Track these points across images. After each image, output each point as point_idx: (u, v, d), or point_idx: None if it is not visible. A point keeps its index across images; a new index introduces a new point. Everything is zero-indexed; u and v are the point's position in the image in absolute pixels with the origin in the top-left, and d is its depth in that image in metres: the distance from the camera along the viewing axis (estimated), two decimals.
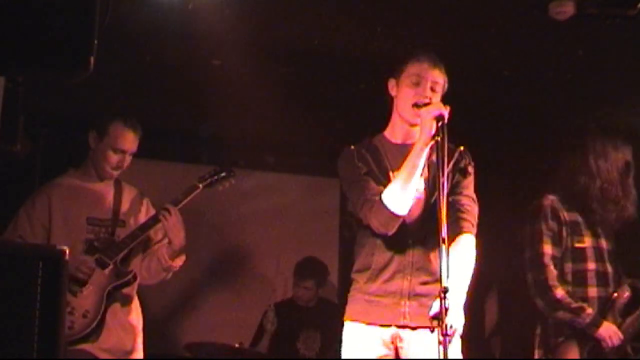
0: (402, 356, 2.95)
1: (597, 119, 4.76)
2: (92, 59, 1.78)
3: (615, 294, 3.93)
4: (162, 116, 5.07)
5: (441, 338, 2.51)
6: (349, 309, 3.08)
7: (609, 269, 3.96)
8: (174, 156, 5.72)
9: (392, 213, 2.88)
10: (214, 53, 4.29)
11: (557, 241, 3.93)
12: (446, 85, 3.07)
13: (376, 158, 3.08)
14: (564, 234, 3.93)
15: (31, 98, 2.07)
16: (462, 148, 3.12)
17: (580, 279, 3.92)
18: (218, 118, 5.21)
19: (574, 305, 3.83)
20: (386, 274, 2.98)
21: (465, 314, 2.82)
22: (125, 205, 3.72)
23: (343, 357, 3.04)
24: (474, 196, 3.08)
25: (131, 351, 3.63)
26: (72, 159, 3.79)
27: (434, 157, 3.00)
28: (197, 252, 5.63)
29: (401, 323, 2.94)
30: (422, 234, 2.98)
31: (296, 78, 4.60)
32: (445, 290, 2.53)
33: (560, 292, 3.85)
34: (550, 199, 3.97)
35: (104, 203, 3.68)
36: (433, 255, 2.94)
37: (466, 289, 2.89)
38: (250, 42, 4.13)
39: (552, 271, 3.88)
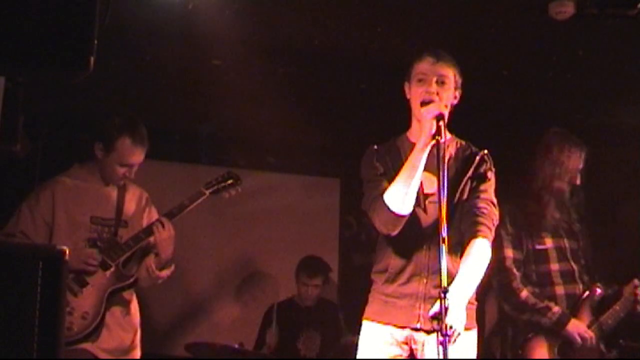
0: (417, 357, 2.94)
1: (596, 118, 4.78)
2: (92, 59, 1.78)
3: (587, 292, 3.96)
4: (162, 116, 5.07)
5: (441, 338, 2.51)
6: (368, 309, 3.09)
7: (574, 267, 3.99)
8: (174, 156, 5.72)
9: (393, 213, 2.87)
10: (214, 53, 4.29)
11: (517, 245, 3.97)
12: (458, 77, 3.04)
13: (395, 159, 3.06)
14: (523, 237, 3.97)
15: (31, 98, 2.06)
16: (485, 152, 3.09)
17: (545, 280, 3.96)
18: (218, 118, 5.21)
19: (540, 305, 3.87)
20: (403, 277, 2.99)
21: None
22: (128, 206, 3.71)
23: (359, 356, 3.04)
24: (494, 200, 3.05)
25: (130, 349, 3.63)
26: (72, 159, 3.78)
27: (452, 162, 3.00)
28: (197, 252, 5.65)
29: (416, 326, 2.94)
30: (438, 237, 2.96)
31: (296, 78, 4.59)
32: (445, 291, 2.53)
33: (524, 294, 3.89)
34: (506, 207, 4.00)
35: (108, 202, 3.66)
36: (450, 259, 2.91)
37: (472, 291, 2.89)
38: (250, 42, 4.13)
39: (515, 273, 3.93)
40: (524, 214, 4.00)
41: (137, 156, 3.62)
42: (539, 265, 3.97)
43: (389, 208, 2.87)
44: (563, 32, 3.88)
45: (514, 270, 3.92)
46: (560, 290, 3.93)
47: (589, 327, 3.88)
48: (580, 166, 4.04)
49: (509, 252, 3.94)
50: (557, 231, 4.01)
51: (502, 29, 3.96)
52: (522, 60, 4.34)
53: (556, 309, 3.85)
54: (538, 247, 3.98)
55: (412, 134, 3.12)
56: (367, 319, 3.07)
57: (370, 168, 3.08)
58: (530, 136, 4.27)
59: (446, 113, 2.80)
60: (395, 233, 2.94)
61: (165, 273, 3.68)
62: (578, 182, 4.04)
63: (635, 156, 4.78)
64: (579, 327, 3.85)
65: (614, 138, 4.93)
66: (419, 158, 2.85)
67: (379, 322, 3.01)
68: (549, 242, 3.99)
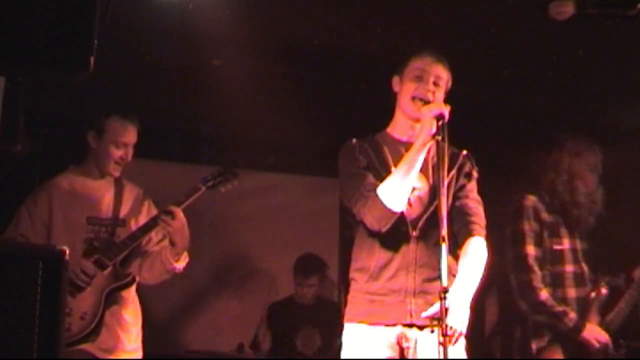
0: (409, 356, 2.89)
1: (597, 118, 4.77)
2: (92, 59, 1.78)
3: (593, 293, 3.93)
4: (162, 116, 5.06)
5: (441, 339, 2.50)
6: (350, 311, 3.02)
7: (585, 269, 3.97)
8: (174, 156, 5.71)
9: (387, 209, 2.85)
10: (214, 53, 4.29)
11: (539, 242, 3.93)
12: (450, 82, 3.05)
13: (378, 153, 3.05)
14: (544, 235, 3.94)
15: (31, 98, 2.06)
16: (465, 152, 3.11)
17: (558, 281, 3.92)
18: (218, 118, 5.21)
19: (558, 309, 3.82)
20: (389, 272, 2.93)
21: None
22: (126, 205, 3.69)
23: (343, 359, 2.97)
24: (479, 198, 3.08)
25: (131, 351, 3.61)
26: (72, 159, 3.78)
27: (436, 161, 3.00)
28: (197, 252, 5.63)
29: (407, 322, 2.89)
30: (424, 230, 2.94)
31: (296, 78, 4.59)
32: (445, 291, 2.52)
33: (544, 295, 3.84)
34: (532, 200, 3.98)
35: (105, 202, 3.65)
36: (437, 252, 2.91)
37: (473, 290, 2.86)
38: (250, 42, 4.13)
39: (537, 272, 3.88)
40: (549, 210, 3.97)
41: (130, 134, 3.62)
42: (554, 265, 3.92)
43: (383, 204, 2.85)
44: (563, 32, 3.88)
45: (535, 268, 3.87)
46: (571, 293, 3.90)
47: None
48: (599, 170, 4.03)
49: (531, 249, 3.90)
50: (572, 231, 3.98)
51: (502, 29, 3.96)
52: (522, 60, 4.34)
53: (573, 314, 3.81)
54: (555, 247, 3.93)
55: (395, 129, 3.11)
56: (350, 321, 2.99)
57: (352, 161, 3.05)
58: (530, 136, 4.28)
59: (447, 113, 2.80)
60: (385, 229, 2.91)
61: (181, 265, 3.65)
62: (596, 185, 4.02)
63: (635, 156, 4.78)
64: (594, 332, 3.82)
65: (613, 138, 4.93)
66: (417, 157, 2.84)
67: (366, 323, 2.94)
68: (565, 243, 3.95)
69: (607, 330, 3.88)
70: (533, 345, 3.87)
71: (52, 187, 3.63)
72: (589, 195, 3.98)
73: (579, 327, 3.80)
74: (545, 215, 3.96)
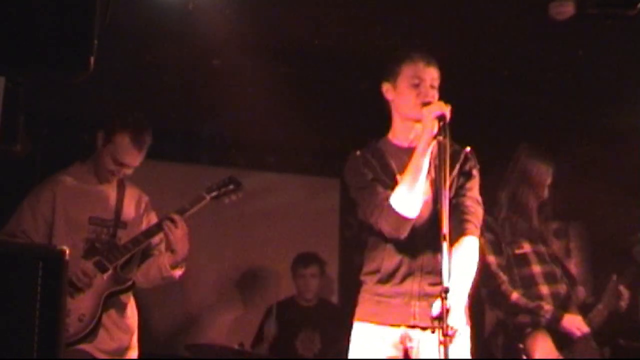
0: (412, 356, 2.93)
1: (597, 118, 4.78)
2: (92, 59, 1.79)
3: (572, 292, 4.01)
4: (162, 116, 5.06)
5: (442, 338, 2.51)
6: (359, 310, 3.07)
7: (555, 269, 4.05)
8: (174, 156, 5.71)
9: (402, 216, 2.86)
10: (214, 53, 4.29)
11: (498, 251, 4.02)
12: (440, 80, 3.04)
13: (382, 163, 3.05)
14: (502, 243, 4.01)
15: (31, 98, 2.06)
16: (468, 149, 3.09)
17: (529, 282, 4.00)
18: (218, 118, 5.21)
19: (532, 304, 3.91)
20: (396, 278, 2.97)
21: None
22: (127, 207, 3.68)
23: (350, 357, 3.02)
24: (479, 198, 3.06)
25: (127, 349, 3.61)
26: (72, 159, 3.78)
27: (437, 160, 3.00)
28: (197, 252, 5.63)
29: (411, 323, 2.93)
30: (430, 236, 2.93)
31: (296, 78, 4.59)
32: (447, 291, 2.53)
33: (515, 296, 3.93)
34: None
35: (107, 203, 3.63)
36: (440, 256, 2.92)
37: (468, 290, 2.88)
38: (250, 42, 4.14)
39: (503, 277, 3.96)
40: (497, 221, 4.04)
41: (132, 157, 3.57)
42: (521, 269, 4.01)
43: (397, 212, 2.86)
44: (563, 32, 3.88)
45: (501, 274, 3.96)
46: (545, 289, 3.98)
47: None
48: (548, 181, 4.10)
49: (492, 258, 3.99)
50: (530, 238, 4.06)
51: (502, 29, 3.96)
52: (522, 60, 4.34)
53: (548, 307, 3.90)
54: (517, 251, 4.03)
55: (396, 136, 3.10)
56: (359, 320, 3.04)
57: (358, 175, 3.06)
58: (530, 136, 4.28)
59: (447, 113, 2.80)
60: (404, 236, 2.92)
61: (178, 272, 3.63)
62: (546, 195, 4.10)
63: (634, 156, 4.78)
64: (574, 321, 3.90)
65: (613, 138, 4.93)
66: (423, 159, 2.84)
67: (372, 322, 2.99)
68: (527, 247, 4.05)
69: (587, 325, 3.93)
70: (520, 345, 3.91)
71: (56, 184, 3.60)
72: (530, 216, 4.05)
73: (557, 317, 3.88)
74: (497, 225, 4.03)
